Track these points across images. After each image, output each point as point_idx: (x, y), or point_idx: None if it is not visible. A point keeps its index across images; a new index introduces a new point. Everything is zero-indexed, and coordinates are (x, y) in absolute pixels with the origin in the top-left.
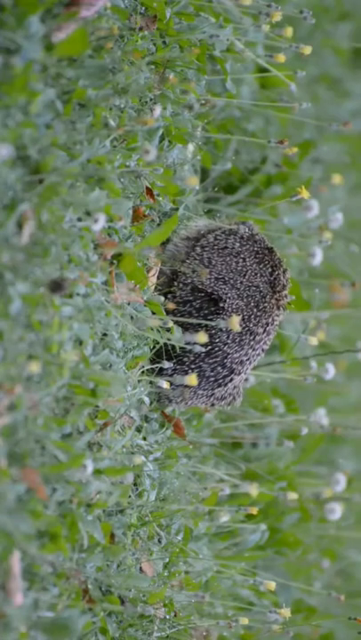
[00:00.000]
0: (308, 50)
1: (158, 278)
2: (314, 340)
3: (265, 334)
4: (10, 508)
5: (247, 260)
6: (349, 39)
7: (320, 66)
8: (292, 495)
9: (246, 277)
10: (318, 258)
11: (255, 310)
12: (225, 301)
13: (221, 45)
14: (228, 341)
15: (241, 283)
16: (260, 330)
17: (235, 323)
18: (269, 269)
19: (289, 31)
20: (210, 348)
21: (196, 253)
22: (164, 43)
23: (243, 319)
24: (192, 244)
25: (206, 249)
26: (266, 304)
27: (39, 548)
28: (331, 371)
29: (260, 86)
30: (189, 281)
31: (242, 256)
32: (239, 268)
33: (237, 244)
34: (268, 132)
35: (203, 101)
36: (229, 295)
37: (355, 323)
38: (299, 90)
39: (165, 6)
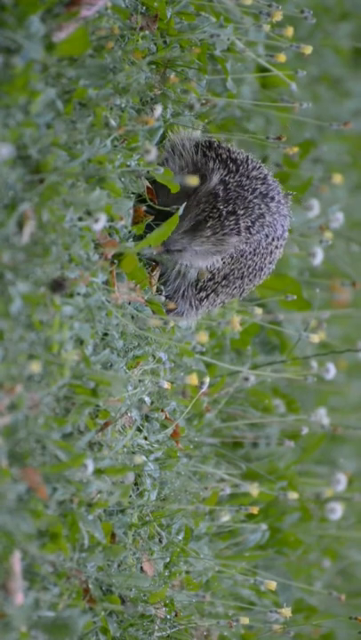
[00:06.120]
0: (308, 50)
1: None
2: (315, 338)
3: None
4: (10, 507)
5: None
6: (350, 39)
7: (321, 66)
8: (293, 495)
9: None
10: (319, 257)
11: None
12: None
13: (222, 45)
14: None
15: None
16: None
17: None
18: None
19: (290, 31)
20: None
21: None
22: (165, 42)
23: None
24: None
25: None
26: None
27: (40, 548)
28: (331, 370)
29: (261, 86)
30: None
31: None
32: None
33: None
34: (268, 131)
35: (203, 101)
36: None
37: (355, 322)
38: (299, 89)
39: (166, 6)
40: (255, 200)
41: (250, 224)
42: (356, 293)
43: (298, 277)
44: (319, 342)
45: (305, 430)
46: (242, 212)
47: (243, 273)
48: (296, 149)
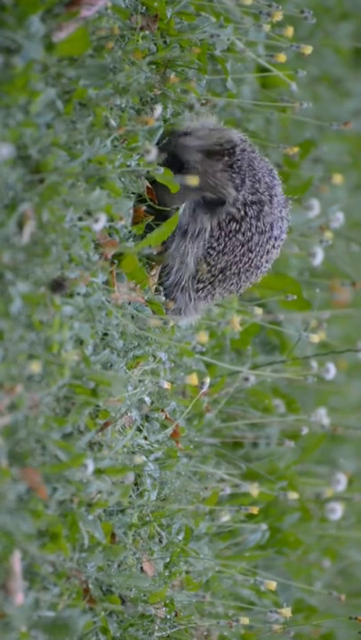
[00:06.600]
0: (308, 49)
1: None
2: (315, 338)
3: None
4: (10, 507)
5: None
6: (350, 39)
7: (321, 65)
8: (293, 495)
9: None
10: (319, 257)
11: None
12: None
13: (222, 45)
14: None
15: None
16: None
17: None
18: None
19: (290, 31)
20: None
21: None
22: (165, 42)
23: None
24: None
25: None
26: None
27: (40, 548)
28: (331, 370)
29: (261, 86)
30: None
31: None
32: None
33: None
34: (268, 131)
35: (203, 101)
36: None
37: (355, 322)
38: (299, 89)
39: (166, 6)
40: (260, 186)
41: (249, 202)
42: (357, 293)
43: (298, 277)
44: (319, 342)
45: (305, 430)
46: (249, 184)
47: (239, 269)
48: (296, 149)
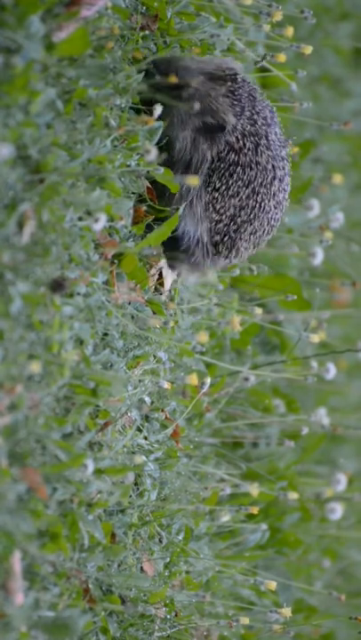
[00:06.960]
0: (308, 50)
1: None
2: (315, 338)
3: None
4: (10, 507)
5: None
6: (350, 39)
7: (321, 65)
8: (293, 495)
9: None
10: (319, 257)
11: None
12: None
13: (222, 45)
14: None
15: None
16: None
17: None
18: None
19: (290, 31)
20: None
21: None
22: (165, 42)
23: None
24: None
25: None
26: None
27: (40, 548)
28: (332, 370)
29: (261, 86)
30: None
31: None
32: None
33: None
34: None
35: None
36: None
37: (355, 322)
38: (299, 89)
39: (166, 6)
40: (259, 119)
41: (247, 133)
42: (357, 293)
43: (298, 277)
44: (319, 342)
45: (305, 430)
46: (248, 114)
47: (249, 216)
48: (296, 149)
